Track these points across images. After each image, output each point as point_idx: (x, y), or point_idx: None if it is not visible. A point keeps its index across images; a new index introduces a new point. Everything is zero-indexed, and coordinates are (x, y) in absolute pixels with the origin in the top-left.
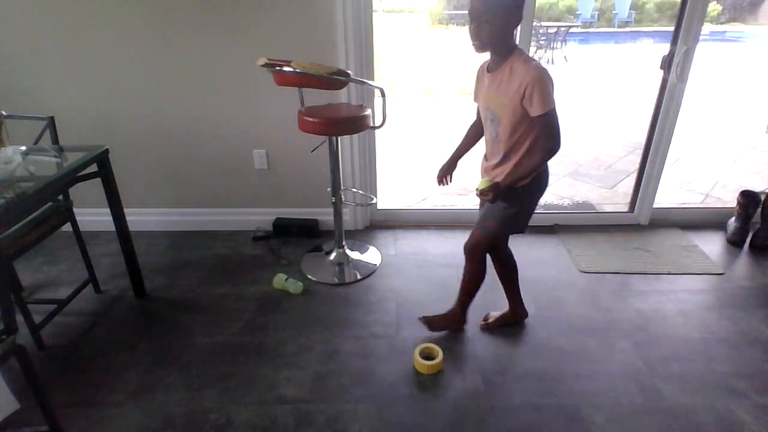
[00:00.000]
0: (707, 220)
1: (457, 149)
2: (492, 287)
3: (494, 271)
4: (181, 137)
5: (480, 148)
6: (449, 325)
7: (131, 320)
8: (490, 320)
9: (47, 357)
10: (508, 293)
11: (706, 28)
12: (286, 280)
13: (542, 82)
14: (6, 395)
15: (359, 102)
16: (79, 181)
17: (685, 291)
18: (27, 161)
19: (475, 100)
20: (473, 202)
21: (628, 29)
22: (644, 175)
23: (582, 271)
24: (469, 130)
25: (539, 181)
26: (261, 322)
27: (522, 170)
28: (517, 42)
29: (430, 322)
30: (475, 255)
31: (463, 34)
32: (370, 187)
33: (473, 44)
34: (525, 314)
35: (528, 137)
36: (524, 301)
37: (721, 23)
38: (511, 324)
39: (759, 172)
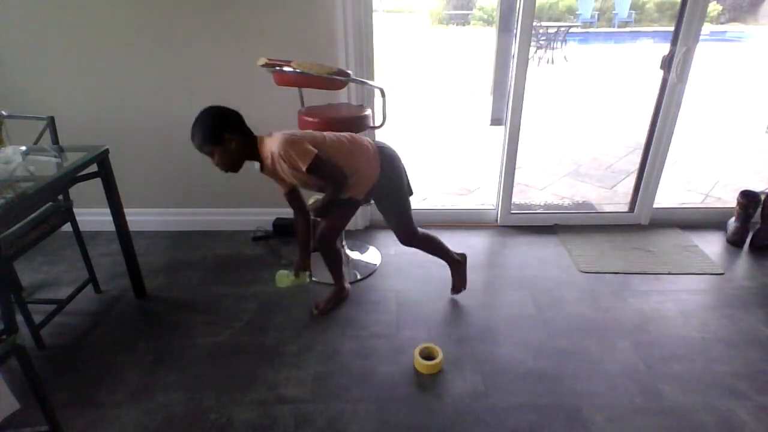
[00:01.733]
0: (707, 220)
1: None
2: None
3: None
4: (181, 137)
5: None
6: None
7: (131, 320)
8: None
9: (47, 357)
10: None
11: (706, 28)
12: (291, 275)
13: (288, 144)
14: (6, 395)
15: (359, 102)
16: (79, 181)
17: (685, 291)
18: (27, 161)
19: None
20: (473, 202)
21: (628, 29)
22: (644, 175)
23: (582, 271)
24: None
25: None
26: (261, 322)
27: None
28: (517, 42)
29: (318, 306)
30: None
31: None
32: None
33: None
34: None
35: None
36: (524, 300)
37: (721, 23)
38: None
39: (759, 172)
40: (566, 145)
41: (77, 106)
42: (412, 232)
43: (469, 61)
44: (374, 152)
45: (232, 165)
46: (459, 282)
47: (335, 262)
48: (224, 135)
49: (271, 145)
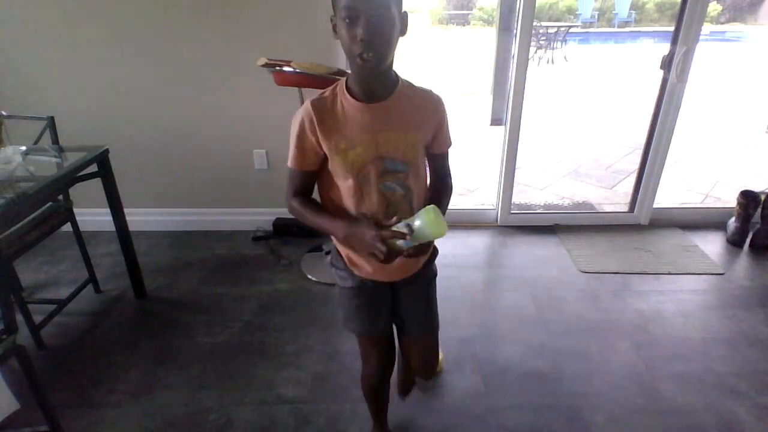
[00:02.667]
0: (707, 220)
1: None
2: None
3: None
4: (181, 137)
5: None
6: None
7: (131, 320)
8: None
9: (47, 357)
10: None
11: (706, 28)
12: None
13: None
14: (6, 395)
15: None
16: (79, 181)
17: (685, 291)
18: (27, 161)
19: (313, 159)
20: (473, 202)
21: (628, 29)
22: (644, 175)
23: (582, 271)
24: (305, 205)
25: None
26: (261, 322)
27: (445, 209)
28: (517, 42)
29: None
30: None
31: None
32: None
33: (366, 57)
34: None
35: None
36: (524, 300)
37: (721, 23)
38: None
39: (759, 172)
40: (566, 145)
41: (77, 106)
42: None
43: (469, 61)
44: None
45: (388, 51)
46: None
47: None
48: (406, 11)
49: (415, 85)
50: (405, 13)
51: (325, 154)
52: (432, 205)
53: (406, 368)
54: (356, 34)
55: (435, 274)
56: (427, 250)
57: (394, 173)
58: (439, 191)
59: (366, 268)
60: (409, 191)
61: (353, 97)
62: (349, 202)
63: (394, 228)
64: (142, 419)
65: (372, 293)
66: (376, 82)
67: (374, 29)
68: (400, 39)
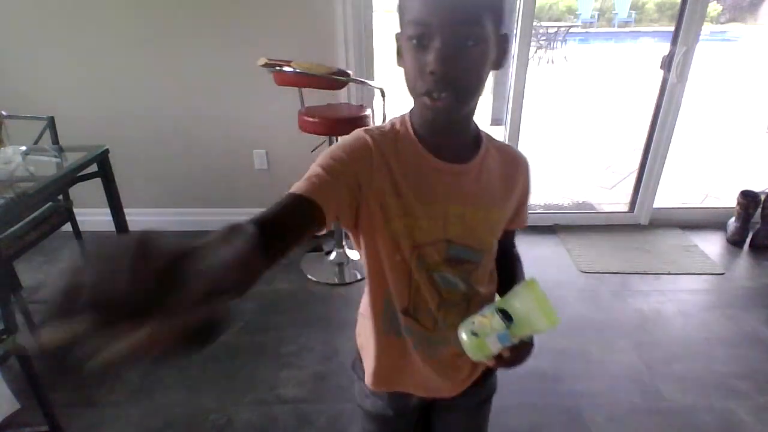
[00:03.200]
0: (707, 220)
1: None
2: None
3: None
4: (181, 137)
5: None
6: None
7: None
8: None
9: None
10: None
11: (706, 28)
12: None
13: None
14: (6, 395)
15: (359, 102)
16: (79, 181)
17: (686, 291)
18: (27, 161)
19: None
20: None
21: (628, 29)
22: (644, 175)
23: (582, 271)
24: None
25: None
26: (261, 322)
27: None
28: (517, 43)
29: None
30: None
31: None
32: None
33: (437, 98)
34: None
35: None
36: None
37: (721, 23)
38: None
39: (759, 172)
40: (566, 145)
41: (77, 106)
42: None
43: None
44: None
45: (478, 88)
46: None
47: None
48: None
49: (501, 143)
50: (505, 35)
51: (357, 205)
52: (532, 278)
53: None
54: (426, 62)
55: (493, 391)
56: (526, 356)
57: (460, 264)
58: (513, 269)
59: (396, 381)
60: (472, 291)
61: (425, 146)
62: (397, 290)
63: (480, 315)
64: (142, 419)
65: (394, 420)
66: (453, 135)
67: (453, 55)
68: (490, 72)
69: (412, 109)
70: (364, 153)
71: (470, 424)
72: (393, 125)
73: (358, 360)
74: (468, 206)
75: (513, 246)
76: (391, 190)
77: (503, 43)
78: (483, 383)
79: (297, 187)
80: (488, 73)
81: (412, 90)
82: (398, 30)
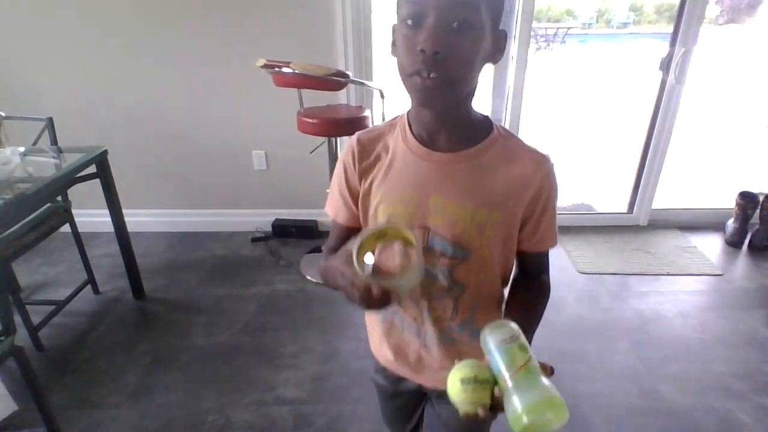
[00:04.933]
0: (706, 221)
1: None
2: None
3: None
4: (181, 138)
5: None
6: None
7: (130, 321)
8: None
9: (45, 358)
10: None
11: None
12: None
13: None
14: (4, 397)
15: (359, 103)
16: (77, 182)
17: (684, 292)
18: (26, 162)
19: (353, 209)
20: None
21: (626, 31)
22: (643, 176)
23: (581, 272)
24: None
25: None
26: (260, 323)
27: (531, 332)
28: (517, 44)
29: None
30: None
31: None
32: None
33: (426, 76)
34: None
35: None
36: None
37: (719, 25)
38: None
39: (758, 173)
40: (566, 146)
41: (76, 107)
42: None
43: None
44: None
45: (470, 74)
46: None
47: None
48: (505, 30)
49: (519, 142)
50: (503, 31)
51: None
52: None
53: None
54: (417, 41)
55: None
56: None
57: (441, 256)
58: (524, 305)
59: (384, 351)
60: (458, 288)
61: (415, 137)
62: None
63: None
64: (141, 420)
65: (393, 395)
66: (443, 123)
67: (447, 38)
68: (486, 64)
69: (408, 110)
70: (350, 161)
71: (453, 420)
72: (392, 120)
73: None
74: (450, 198)
75: (538, 274)
76: (378, 179)
77: (500, 39)
78: None
79: (329, 208)
80: (481, 64)
81: (403, 71)
82: (395, 22)
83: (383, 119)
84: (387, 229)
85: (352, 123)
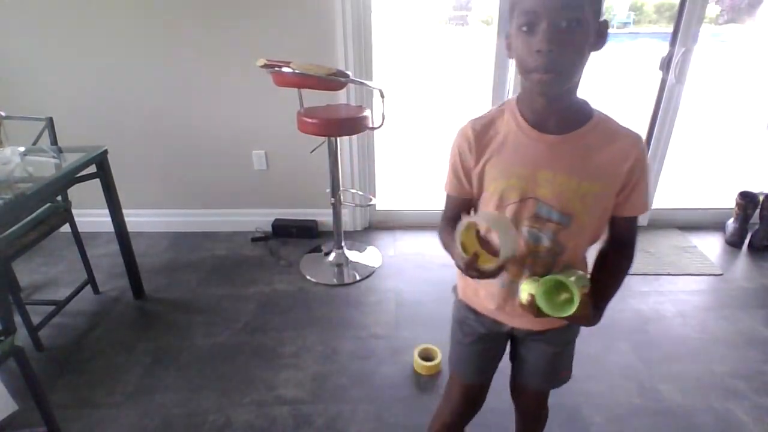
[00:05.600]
0: (706, 221)
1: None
2: None
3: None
4: (181, 138)
5: None
6: None
7: (130, 321)
8: None
9: (45, 358)
10: None
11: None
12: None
13: (648, 164)
14: (4, 396)
15: (358, 103)
16: (78, 182)
17: (684, 292)
18: (26, 162)
19: (467, 186)
20: None
21: (626, 30)
22: None
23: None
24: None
25: None
26: (260, 323)
27: (613, 290)
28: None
29: None
30: (546, 408)
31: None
32: (370, 188)
33: (543, 75)
34: None
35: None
36: None
37: (720, 24)
38: None
39: (758, 173)
40: None
41: (76, 107)
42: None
43: (468, 62)
44: None
45: (576, 69)
46: None
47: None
48: (606, 20)
49: (617, 123)
50: (605, 21)
51: (471, 180)
52: (579, 296)
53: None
54: (533, 43)
55: (575, 335)
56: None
57: (547, 222)
58: (610, 267)
59: (484, 301)
60: (559, 249)
61: (525, 120)
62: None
63: (525, 285)
64: (141, 420)
65: (482, 341)
66: (553, 109)
67: (558, 38)
68: (586, 55)
69: (519, 93)
70: (465, 146)
71: (548, 353)
72: (500, 106)
73: (457, 282)
74: (558, 173)
75: (627, 239)
76: (492, 158)
77: (602, 28)
78: (561, 329)
79: (446, 187)
80: (588, 54)
81: (523, 68)
82: (507, 29)
83: (383, 118)
84: (469, 224)
85: (352, 123)
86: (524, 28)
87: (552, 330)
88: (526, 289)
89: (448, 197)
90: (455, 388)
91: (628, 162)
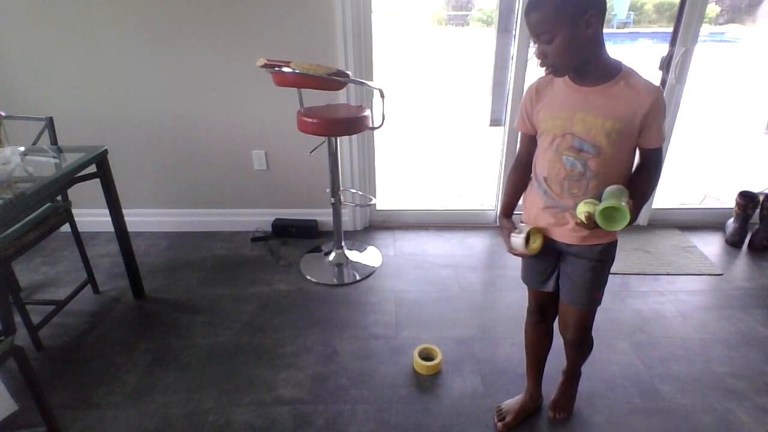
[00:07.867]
0: (706, 220)
1: (504, 204)
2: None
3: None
4: (181, 138)
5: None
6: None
7: (130, 321)
8: (509, 418)
9: (45, 358)
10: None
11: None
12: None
13: (664, 109)
14: (4, 396)
15: (358, 102)
16: (78, 182)
17: (684, 292)
18: (26, 162)
19: (529, 125)
20: (472, 203)
21: (626, 30)
22: None
23: None
24: (515, 172)
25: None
26: (260, 322)
27: (645, 197)
28: (516, 43)
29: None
30: (587, 339)
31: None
32: (370, 187)
33: (546, 70)
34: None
35: (623, 171)
36: (523, 301)
37: (720, 24)
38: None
39: (758, 172)
40: None
41: (76, 107)
42: (590, 326)
43: (468, 62)
44: None
45: (569, 60)
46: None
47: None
48: (588, 12)
49: (639, 77)
50: (588, 12)
51: (533, 122)
52: (615, 203)
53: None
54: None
55: (604, 258)
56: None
57: (579, 151)
58: (637, 180)
59: (540, 221)
60: (588, 172)
61: (571, 78)
62: (542, 163)
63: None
64: (141, 420)
65: (539, 255)
66: (581, 72)
67: (542, 49)
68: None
69: None
70: (529, 95)
71: (581, 268)
72: None
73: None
74: (589, 114)
75: (653, 163)
76: (546, 105)
77: (587, 23)
78: (593, 247)
79: (517, 125)
80: (579, 43)
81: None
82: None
83: (383, 118)
84: (532, 229)
85: (352, 122)
86: (531, 40)
87: (587, 246)
88: (583, 210)
89: (522, 135)
90: (529, 295)
91: (644, 108)
